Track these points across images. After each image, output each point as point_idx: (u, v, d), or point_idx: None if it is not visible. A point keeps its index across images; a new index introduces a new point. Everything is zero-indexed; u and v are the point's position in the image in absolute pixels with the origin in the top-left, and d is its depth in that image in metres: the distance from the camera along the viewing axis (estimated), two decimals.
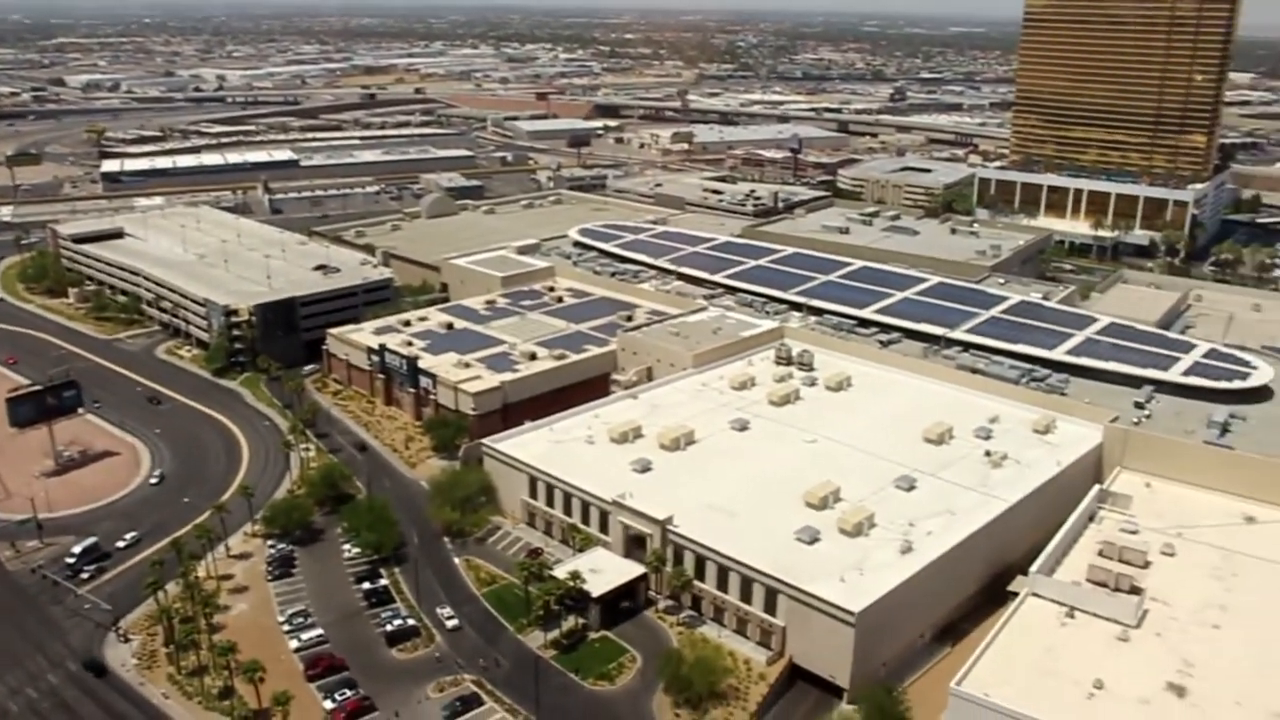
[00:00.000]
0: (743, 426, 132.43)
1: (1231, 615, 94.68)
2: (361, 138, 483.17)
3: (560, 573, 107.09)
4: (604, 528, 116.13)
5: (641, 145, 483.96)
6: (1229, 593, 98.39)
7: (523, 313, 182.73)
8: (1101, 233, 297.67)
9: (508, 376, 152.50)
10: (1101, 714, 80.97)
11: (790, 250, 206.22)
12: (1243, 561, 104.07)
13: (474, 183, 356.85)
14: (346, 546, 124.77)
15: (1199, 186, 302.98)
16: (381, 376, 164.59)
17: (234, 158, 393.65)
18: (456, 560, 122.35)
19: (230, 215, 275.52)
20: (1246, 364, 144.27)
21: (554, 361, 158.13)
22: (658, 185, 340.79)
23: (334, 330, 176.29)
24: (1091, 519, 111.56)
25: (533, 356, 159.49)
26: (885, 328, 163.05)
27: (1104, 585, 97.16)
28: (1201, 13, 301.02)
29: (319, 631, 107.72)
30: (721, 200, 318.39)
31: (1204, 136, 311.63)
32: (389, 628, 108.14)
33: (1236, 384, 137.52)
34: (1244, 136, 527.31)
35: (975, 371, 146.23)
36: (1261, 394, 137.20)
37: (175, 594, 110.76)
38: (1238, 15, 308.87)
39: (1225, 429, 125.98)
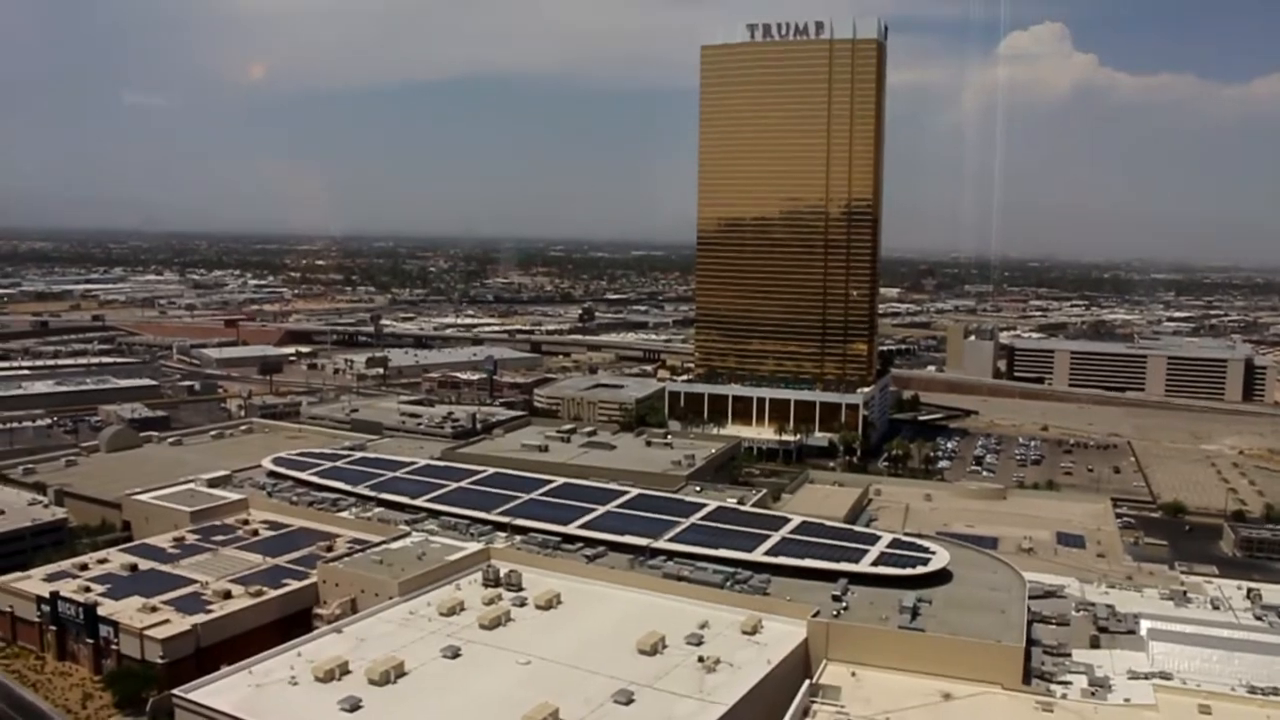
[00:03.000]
0: (454, 654, 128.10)
1: None
2: (32, 367, 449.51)
3: None
4: None
5: (336, 371, 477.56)
6: None
7: (215, 549, 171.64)
8: (785, 437, 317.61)
9: (200, 618, 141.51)
10: None
11: (491, 470, 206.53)
12: None
13: (159, 413, 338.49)
14: None
15: (866, 390, 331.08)
16: (54, 629, 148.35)
17: None
18: None
19: None
20: (926, 550, 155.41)
21: (251, 599, 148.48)
22: (354, 411, 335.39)
23: None
24: (806, 714, 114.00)
25: (227, 595, 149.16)
26: (591, 542, 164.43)
27: None
28: (850, 237, 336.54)
29: None
30: (420, 423, 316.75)
31: (865, 345, 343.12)
32: None
33: (920, 570, 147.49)
34: (898, 344, 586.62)
35: (681, 579, 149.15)
36: (942, 577, 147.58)
37: None
38: (879, 239, 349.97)
39: (915, 613, 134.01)
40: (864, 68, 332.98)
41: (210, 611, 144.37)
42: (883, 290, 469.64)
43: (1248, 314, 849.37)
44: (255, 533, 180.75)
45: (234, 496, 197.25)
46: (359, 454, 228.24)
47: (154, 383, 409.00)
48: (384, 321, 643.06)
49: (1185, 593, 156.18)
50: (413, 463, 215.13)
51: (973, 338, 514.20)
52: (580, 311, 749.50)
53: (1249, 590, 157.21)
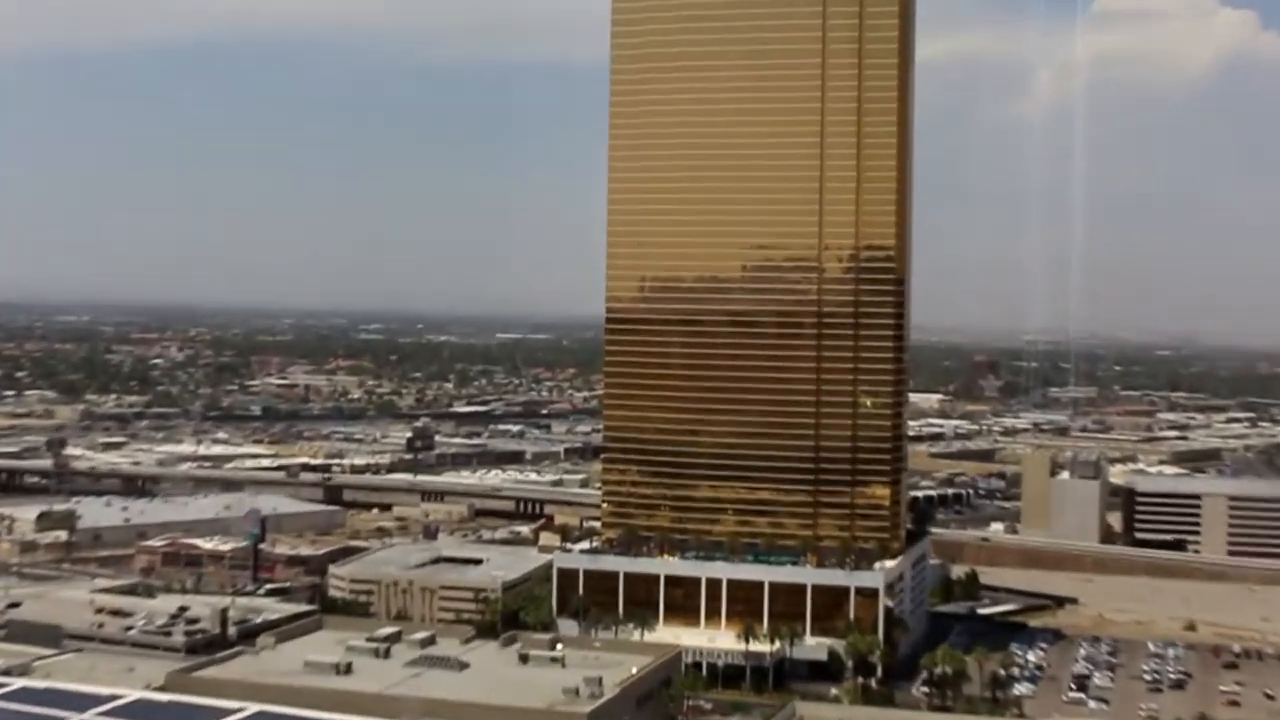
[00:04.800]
0: None
1: None
2: None
3: None
4: None
5: None
6: None
7: None
8: (756, 645, 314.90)
9: None
10: None
11: (253, 710, 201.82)
12: None
13: None
14: None
15: (889, 565, 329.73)
16: None
17: None
18: None
19: None
20: None
21: None
22: (12, 605, 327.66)
23: None
24: None
25: None
26: None
27: None
28: (859, 310, 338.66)
29: None
30: (130, 629, 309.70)
31: (887, 489, 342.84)
32: None
33: None
34: (942, 486, 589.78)
35: None
36: None
37: None
38: (908, 312, 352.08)
39: None
40: (880, 33, 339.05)
41: None
42: (915, 397, 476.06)
43: None
44: None
45: None
46: (18, 682, 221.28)
47: None
48: (70, 450, 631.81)
49: None
50: (116, 698, 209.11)
51: (1065, 475, 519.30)
52: (410, 434, 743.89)
53: None
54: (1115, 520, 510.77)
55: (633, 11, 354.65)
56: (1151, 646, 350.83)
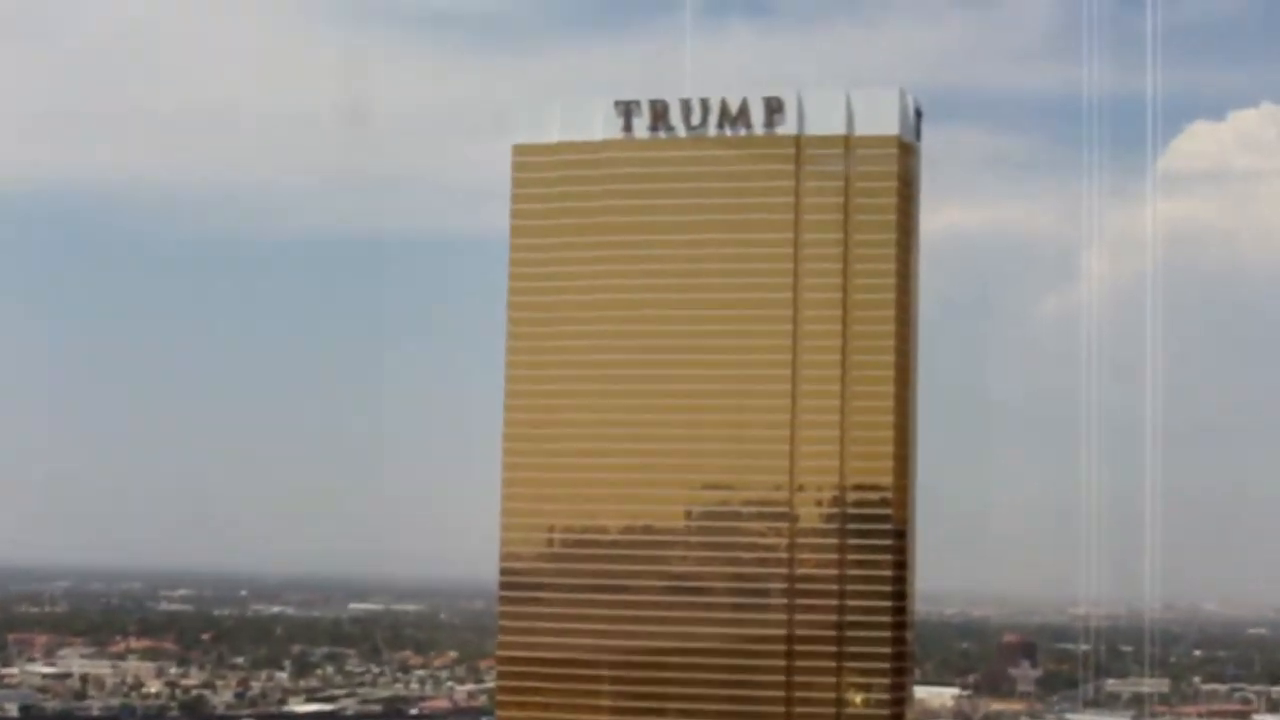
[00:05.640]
0: None
1: None
2: None
3: None
4: None
5: None
6: None
7: None
8: None
9: None
10: None
11: None
12: None
13: None
14: None
15: None
16: None
17: None
18: None
19: None
20: None
21: None
22: None
23: None
24: None
25: None
26: None
27: None
28: (846, 571, 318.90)
29: None
30: None
31: None
32: None
33: None
34: None
35: None
36: None
37: None
38: (913, 574, 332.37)
39: None
40: (875, 195, 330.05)
41: None
42: (922, 692, 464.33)
43: None
44: None
45: None
46: None
47: None
48: None
49: None
50: None
51: None
52: None
53: None
54: None
55: (538, 170, 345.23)
56: None
